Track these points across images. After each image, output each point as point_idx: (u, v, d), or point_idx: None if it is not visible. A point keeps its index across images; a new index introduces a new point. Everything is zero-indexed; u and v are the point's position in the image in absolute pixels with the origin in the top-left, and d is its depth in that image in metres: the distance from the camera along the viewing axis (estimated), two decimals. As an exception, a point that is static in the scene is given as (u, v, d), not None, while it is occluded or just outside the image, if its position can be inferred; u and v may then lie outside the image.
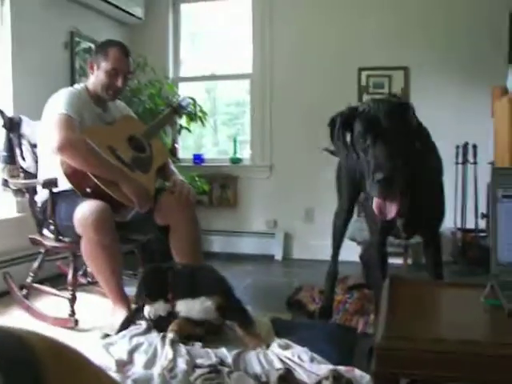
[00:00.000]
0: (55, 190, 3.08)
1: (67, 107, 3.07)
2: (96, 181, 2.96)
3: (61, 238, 3.18)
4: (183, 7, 5.96)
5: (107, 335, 2.79)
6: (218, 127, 6.25)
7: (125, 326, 2.85)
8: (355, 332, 3.01)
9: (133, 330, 2.79)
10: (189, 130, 5.22)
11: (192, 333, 2.64)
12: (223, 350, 2.53)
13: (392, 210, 2.18)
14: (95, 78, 3.29)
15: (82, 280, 3.72)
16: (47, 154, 3.16)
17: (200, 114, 5.02)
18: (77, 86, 3.38)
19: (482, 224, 4.71)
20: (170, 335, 2.56)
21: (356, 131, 2.24)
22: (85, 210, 2.91)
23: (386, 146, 2.12)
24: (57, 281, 3.78)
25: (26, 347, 0.67)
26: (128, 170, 3.12)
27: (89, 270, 3.66)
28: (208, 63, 6.12)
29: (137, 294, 2.83)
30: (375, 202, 2.21)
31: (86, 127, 3.16)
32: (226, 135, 6.18)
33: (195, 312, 2.64)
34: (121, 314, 2.95)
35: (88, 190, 3.00)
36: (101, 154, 3.01)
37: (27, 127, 3.42)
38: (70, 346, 0.74)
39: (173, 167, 3.55)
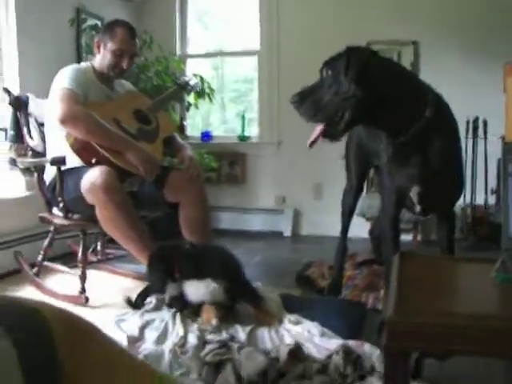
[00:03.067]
0: (63, 167, 3.09)
1: (71, 82, 3.10)
2: (101, 150, 2.99)
3: (70, 215, 3.19)
4: (190, -17, 5.90)
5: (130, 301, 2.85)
6: (226, 104, 6.22)
7: (143, 297, 2.90)
8: (365, 307, 3.02)
9: (145, 306, 2.82)
10: (196, 107, 5.20)
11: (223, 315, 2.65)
12: (237, 327, 2.54)
13: (309, 140, 2.34)
14: (101, 58, 3.31)
15: (92, 258, 3.74)
16: (54, 131, 3.18)
17: (208, 90, 5.00)
18: (83, 64, 3.42)
19: (492, 200, 4.69)
20: (213, 322, 2.55)
21: None
22: (91, 176, 2.94)
23: (317, 81, 2.32)
24: (67, 259, 3.80)
25: (41, 318, 0.67)
26: (133, 140, 3.14)
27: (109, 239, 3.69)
28: (215, 40, 6.09)
29: (147, 276, 2.84)
30: None
31: (90, 101, 3.18)
32: (234, 112, 6.15)
33: (201, 294, 2.64)
34: None
35: (93, 160, 3.01)
36: (104, 124, 3.04)
37: (34, 105, 3.42)
38: (82, 318, 0.75)
39: (181, 141, 3.56)
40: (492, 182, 4.65)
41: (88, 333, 0.75)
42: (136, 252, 3.07)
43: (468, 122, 4.70)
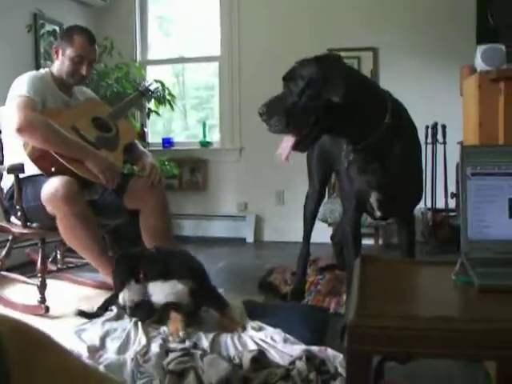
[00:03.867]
0: (21, 175, 3.04)
1: (29, 89, 3.05)
2: (60, 159, 2.95)
3: (29, 224, 3.13)
4: (150, -11, 5.87)
5: (82, 312, 2.78)
6: (188, 111, 6.21)
7: (103, 308, 2.85)
8: (327, 312, 3.03)
9: (105, 315, 2.78)
10: (157, 114, 5.17)
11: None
12: (200, 334, 2.52)
13: (283, 154, 2.26)
14: (60, 64, 3.27)
15: (52, 267, 3.67)
16: (12, 139, 3.12)
17: (169, 97, 4.97)
18: (41, 71, 3.37)
19: (452, 203, 4.75)
20: (180, 334, 2.48)
21: None
22: (52, 187, 2.90)
23: (284, 91, 2.24)
24: (26, 269, 3.72)
25: None
26: (93, 148, 3.10)
27: (68, 247, 3.66)
28: (176, 46, 6.07)
29: (114, 280, 2.80)
30: None
31: (48, 108, 3.13)
32: (196, 119, 6.14)
33: (165, 295, 2.61)
34: None
35: (53, 169, 2.97)
36: (62, 132, 2.99)
37: (-9, 113, 3.35)
38: (35, 327, 0.73)
39: (142, 148, 3.53)
40: (452, 187, 4.72)
41: (41, 342, 0.73)
42: (96, 263, 3.06)
43: (427, 128, 4.77)
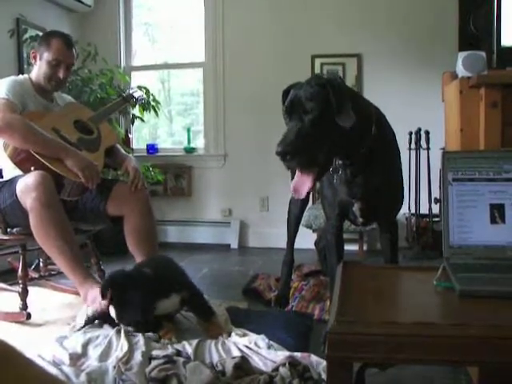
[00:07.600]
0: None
1: (7, 92, 3.05)
2: (40, 159, 2.93)
3: (9, 230, 3.10)
4: (134, -5, 5.87)
5: None
6: (173, 117, 6.20)
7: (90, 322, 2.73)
8: (311, 319, 3.02)
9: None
10: (142, 120, 5.16)
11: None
12: (183, 341, 2.49)
13: (302, 189, 2.16)
14: (38, 69, 3.28)
15: (34, 274, 3.64)
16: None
17: (153, 103, 4.97)
18: (20, 76, 3.38)
19: (436, 209, 4.77)
20: (174, 340, 2.46)
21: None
22: (25, 179, 2.90)
23: (296, 123, 2.10)
24: (8, 276, 3.69)
25: None
26: (73, 147, 3.09)
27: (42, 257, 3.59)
28: (162, 52, 6.06)
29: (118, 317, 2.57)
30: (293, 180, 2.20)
31: (29, 111, 3.13)
32: (181, 125, 6.13)
33: (165, 309, 2.56)
34: (94, 292, 2.76)
35: (32, 169, 2.95)
36: (42, 132, 2.98)
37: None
38: None
39: (124, 152, 3.53)
40: (436, 192, 4.74)
41: (3, 353, 0.72)
42: (66, 269, 2.94)
43: (411, 134, 4.78)
